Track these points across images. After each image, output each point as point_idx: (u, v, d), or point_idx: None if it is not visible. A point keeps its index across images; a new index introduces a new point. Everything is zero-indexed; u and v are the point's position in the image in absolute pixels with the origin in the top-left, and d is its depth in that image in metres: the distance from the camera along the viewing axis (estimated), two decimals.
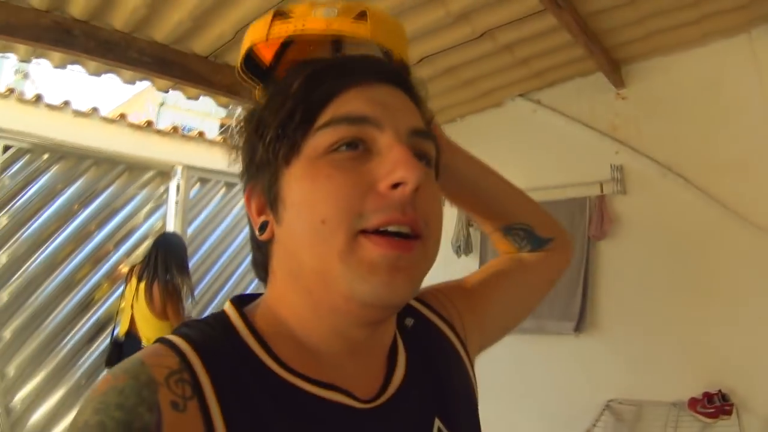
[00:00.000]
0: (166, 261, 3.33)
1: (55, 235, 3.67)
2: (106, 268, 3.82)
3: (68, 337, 3.72)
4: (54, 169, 3.68)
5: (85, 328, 3.75)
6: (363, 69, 0.60)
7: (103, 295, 3.79)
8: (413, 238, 0.54)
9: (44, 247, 3.64)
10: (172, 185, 4.07)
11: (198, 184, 4.22)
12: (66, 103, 3.67)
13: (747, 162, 2.67)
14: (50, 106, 3.58)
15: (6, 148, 3.46)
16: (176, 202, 4.03)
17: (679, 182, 2.81)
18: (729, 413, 2.67)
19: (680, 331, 2.85)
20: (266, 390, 0.53)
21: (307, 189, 0.55)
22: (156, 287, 3.24)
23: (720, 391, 2.71)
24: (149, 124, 3.87)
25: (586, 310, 3.03)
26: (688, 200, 2.79)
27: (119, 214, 3.89)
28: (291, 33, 0.61)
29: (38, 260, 3.62)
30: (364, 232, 0.52)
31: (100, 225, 3.81)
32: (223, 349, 0.54)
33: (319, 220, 0.53)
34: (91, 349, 3.77)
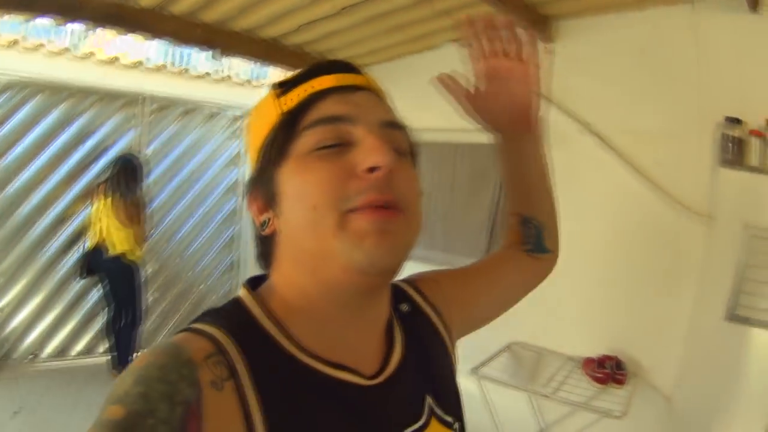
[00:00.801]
0: (128, 178, 3.99)
1: (35, 159, 4.25)
2: (79, 187, 4.43)
3: (46, 249, 4.39)
4: (33, 102, 4.22)
5: (60, 240, 4.42)
6: (337, 70, 0.70)
7: (76, 211, 4.39)
8: (394, 210, 0.64)
9: (25, 170, 4.23)
10: (138, 112, 4.64)
11: (158, 111, 4.77)
12: (41, 45, 4.16)
13: (670, 133, 2.74)
14: (26, 48, 4.09)
15: None
16: (139, 128, 4.65)
17: (595, 142, 2.94)
18: (620, 383, 2.79)
19: (590, 289, 3.03)
20: (289, 372, 0.63)
21: (297, 182, 0.64)
22: (122, 201, 3.92)
23: (617, 358, 2.86)
24: (116, 59, 4.40)
25: (492, 249, 3.20)
26: (605, 161, 2.92)
27: (92, 139, 4.46)
28: (305, 97, 0.68)
29: (20, 182, 4.22)
30: (350, 211, 0.62)
31: (75, 149, 4.40)
32: (248, 335, 0.63)
33: (311, 206, 0.62)
34: (66, 259, 4.46)
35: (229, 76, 4.94)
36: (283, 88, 0.70)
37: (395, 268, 0.67)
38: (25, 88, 4.18)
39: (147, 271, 4.63)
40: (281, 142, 0.67)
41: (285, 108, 0.68)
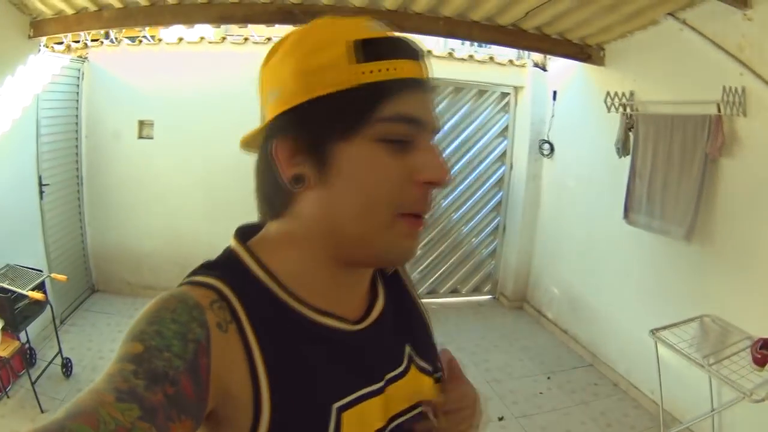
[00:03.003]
0: None
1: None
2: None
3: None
4: None
5: None
6: (418, 57, 0.73)
7: None
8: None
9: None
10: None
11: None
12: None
13: None
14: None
15: None
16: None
17: None
18: None
19: None
20: (281, 318, 0.71)
21: (364, 170, 0.69)
22: None
23: None
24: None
25: (698, 221, 3.42)
26: None
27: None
28: (388, 79, 0.68)
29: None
30: (400, 215, 0.71)
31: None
32: (242, 284, 0.71)
33: (372, 201, 0.70)
34: None
35: (491, 58, 5.62)
36: (366, 52, 0.69)
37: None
38: None
39: None
40: (353, 118, 0.68)
41: (364, 79, 0.67)
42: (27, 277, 3.80)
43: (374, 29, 0.72)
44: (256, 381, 0.66)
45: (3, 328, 3.48)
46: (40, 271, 4.01)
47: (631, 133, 4.10)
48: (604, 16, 3.88)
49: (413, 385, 0.84)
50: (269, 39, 5.26)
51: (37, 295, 3.61)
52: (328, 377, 0.72)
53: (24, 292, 3.58)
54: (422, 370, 0.87)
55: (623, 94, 4.15)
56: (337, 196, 0.70)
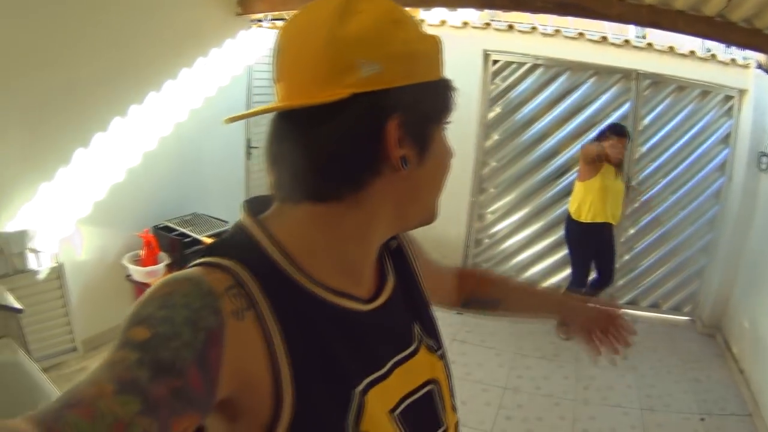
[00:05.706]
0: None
1: (537, 123, 5.84)
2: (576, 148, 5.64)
3: (545, 192, 6.01)
4: (534, 75, 5.74)
5: (556, 190, 5.97)
6: None
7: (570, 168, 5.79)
8: None
9: (530, 128, 5.86)
10: (632, 87, 5.51)
11: (653, 87, 5.52)
12: (534, 28, 5.53)
13: None
14: (522, 32, 5.55)
15: (494, 62, 5.70)
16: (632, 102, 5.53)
17: None
18: None
19: None
20: (300, 301, 0.73)
21: (444, 149, 0.84)
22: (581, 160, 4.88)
23: None
24: (604, 38, 5.39)
25: None
26: None
27: (590, 108, 5.67)
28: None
29: (531, 133, 5.88)
30: None
31: (575, 116, 5.72)
32: (260, 266, 0.72)
33: (446, 174, 0.86)
34: (560, 206, 5.84)
35: (713, 55, 5.25)
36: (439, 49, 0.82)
37: None
38: (524, 64, 5.79)
39: (626, 232, 5.80)
40: (446, 106, 0.82)
41: (442, 74, 0.81)
42: (209, 224, 4.46)
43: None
44: (276, 369, 0.67)
45: (168, 265, 4.08)
46: (225, 221, 4.63)
47: None
48: None
49: (423, 364, 0.90)
50: (535, 28, 5.67)
51: (209, 240, 3.97)
52: (349, 361, 0.75)
53: (198, 236, 4.20)
54: (429, 348, 0.93)
55: None
56: (427, 174, 0.81)
